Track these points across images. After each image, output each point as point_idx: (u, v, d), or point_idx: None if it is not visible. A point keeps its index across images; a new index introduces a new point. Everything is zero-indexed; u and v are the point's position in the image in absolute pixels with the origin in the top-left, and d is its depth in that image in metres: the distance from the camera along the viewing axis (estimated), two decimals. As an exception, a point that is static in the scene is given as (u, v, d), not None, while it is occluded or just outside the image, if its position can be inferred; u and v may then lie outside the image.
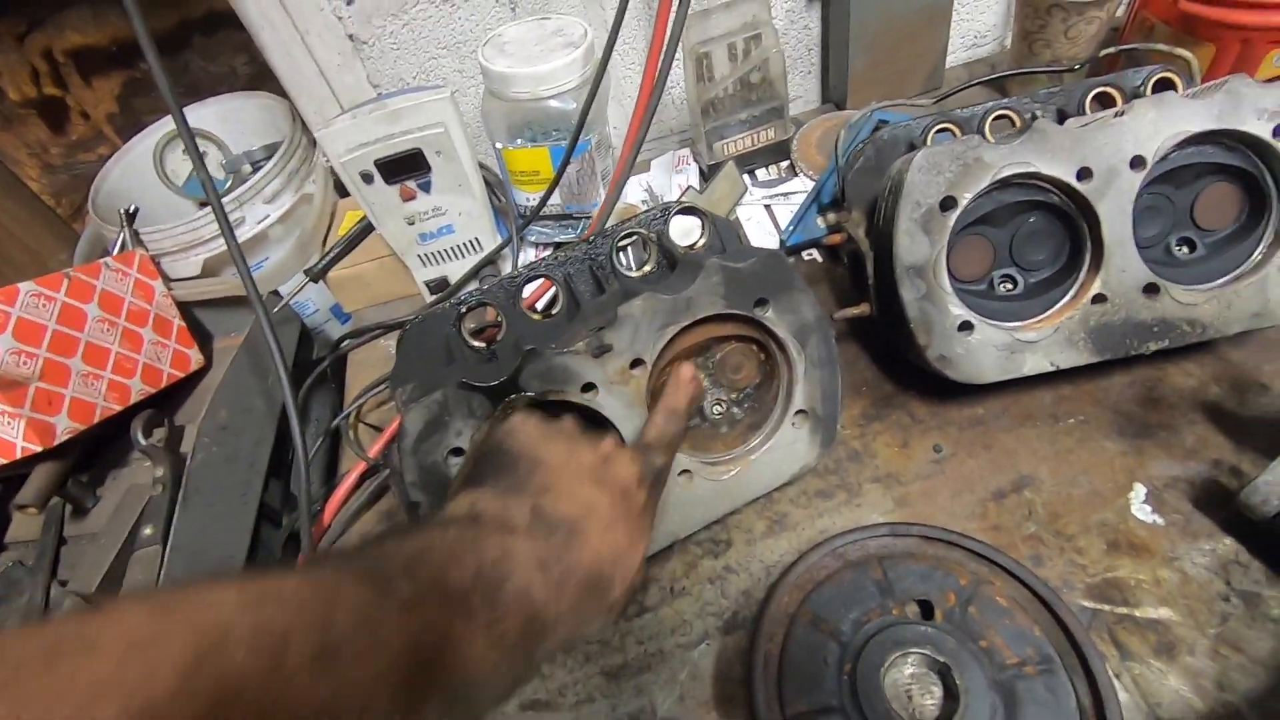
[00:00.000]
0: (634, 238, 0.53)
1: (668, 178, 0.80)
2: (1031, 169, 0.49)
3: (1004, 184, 0.50)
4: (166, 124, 0.81)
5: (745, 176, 0.77)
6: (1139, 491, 0.50)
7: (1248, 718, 0.40)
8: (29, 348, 0.57)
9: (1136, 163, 0.48)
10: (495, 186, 0.73)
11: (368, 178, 0.63)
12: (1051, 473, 0.52)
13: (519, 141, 0.67)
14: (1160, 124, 0.48)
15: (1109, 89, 0.56)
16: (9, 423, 0.56)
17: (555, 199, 0.70)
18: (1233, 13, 0.60)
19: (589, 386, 0.46)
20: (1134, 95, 0.55)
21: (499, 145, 0.68)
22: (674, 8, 0.56)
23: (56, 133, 0.91)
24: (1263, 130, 0.48)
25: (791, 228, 0.70)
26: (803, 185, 0.75)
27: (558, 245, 0.74)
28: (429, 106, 0.60)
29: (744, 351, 0.51)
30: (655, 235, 0.54)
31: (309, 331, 0.77)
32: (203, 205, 0.81)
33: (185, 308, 0.74)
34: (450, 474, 0.45)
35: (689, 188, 0.75)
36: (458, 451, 0.45)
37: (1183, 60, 0.58)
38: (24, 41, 0.83)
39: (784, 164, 0.78)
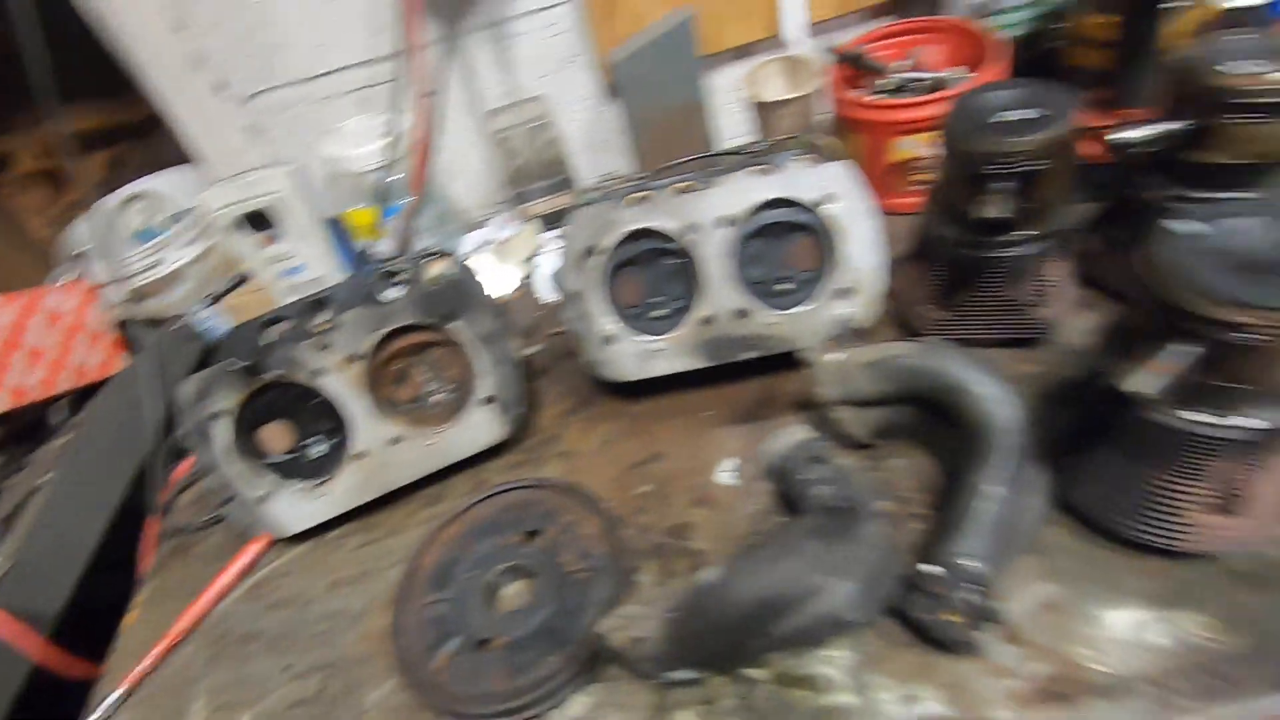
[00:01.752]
0: (396, 273, 0.74)
1: (495, 231, 1.01)
2: (649, 226, 0.67)
3: (636, 236, 0.68)
4: (121, 193, 1.07)
5: (547, 230, 0.97)
6: (727, 464, 0.66)
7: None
8: (-18, 344, 0.81)
9: (725, 221, 0.66)
10: (348, 235, 0.96)
11: (238, 226, 0.86)
12: (678, 451, 0.68)
13: (355, 203, 0.90)
14: (742, 195, 0.66)
15: (763, 163, 0.74)
16: (-39, 395, 0.79)
17: (387, 243, 0.92)
18: (867, 113, 0.78)
19: (316, 372, 0.65)
20: (765, 170, 0.74)
21: (341, 206, 0.91)
22: (428, 115, 0.78)
23: (58, 194, 1.19)
24: (813, 198, 0.65)
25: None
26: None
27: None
28: (270, 178, 0.83)
29: (452, 353, 0.70)
30: (415, 269, 0.74)
31: (213, 350, 1.00)
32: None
33: (121, 324, 0.97)
34: (217, 430, 0.65)
35: (490, 240, 0.96)
36: (218, 414, 0.65)
37: (825, 143, 0.77)
38: (37, 127, 1.11)
39: (580, 222, 0.98)
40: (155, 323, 0.98)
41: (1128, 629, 0.48)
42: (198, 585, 0.69)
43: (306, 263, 0.90)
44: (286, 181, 0.83)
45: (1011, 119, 0.56)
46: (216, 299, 0.96)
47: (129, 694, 0.63)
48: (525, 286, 0.92)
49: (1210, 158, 0.55)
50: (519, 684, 0.53)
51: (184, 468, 0.81)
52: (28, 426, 0.87)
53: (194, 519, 0.76)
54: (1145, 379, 0.40)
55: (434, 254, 0.75)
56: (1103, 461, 0.50)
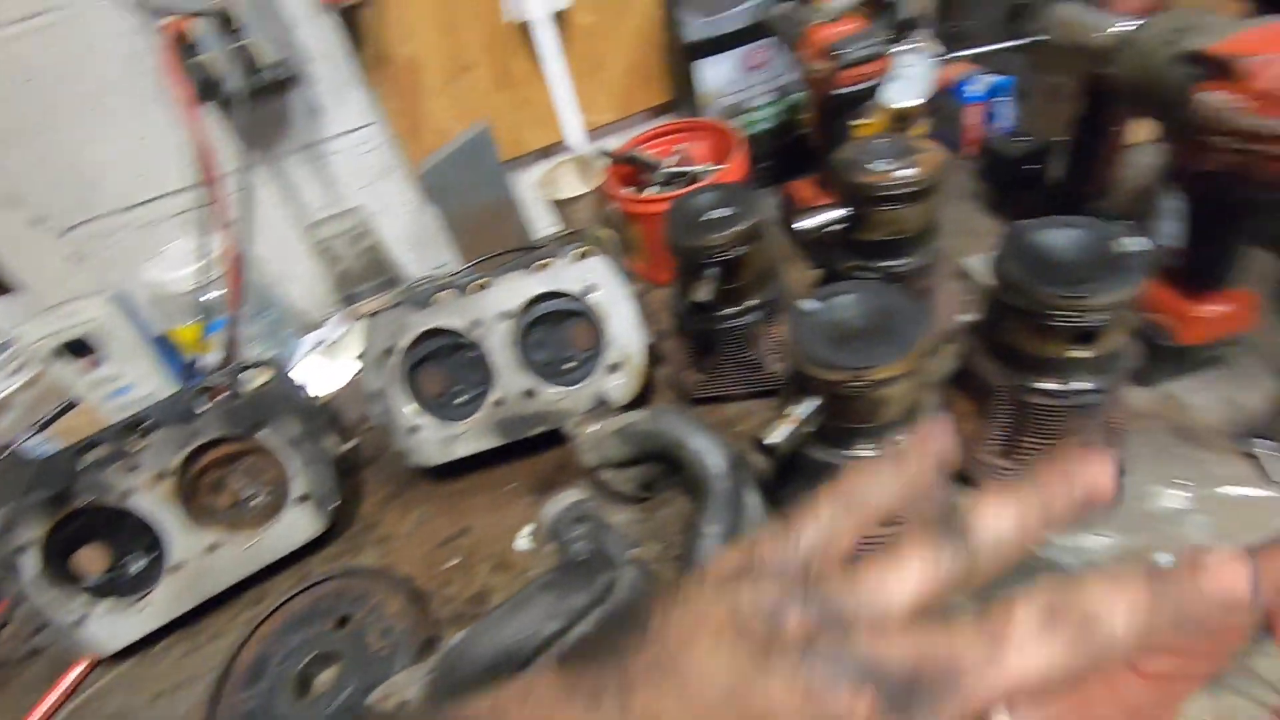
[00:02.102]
0: (212, 388, 0.79)
1: (329, 331, 1.07)
2: (440, 325, 0.76)
3: (430, 334, 0.77)
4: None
5: (378, 327, 1.04)
6: (526, 530, 0.73)
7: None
8: None
9: (505, 315, 0.76)
10: (177, 352, 1.00)
11: (59, 354, 0.89)
12: (484, 523, 0.76)
13: (181, 321, 0.94)
14: (516, 290, 0.76)
15: (551, 257, 0.85)
16: None
17: (215, 355, 0.96)
18: (635, 206, 0.91)
19: (126, 493, 0.69)
20: (566, 258, 0.84)
21: (166, 327, 0.95)
22: (237, 246, 0.84)
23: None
24: (577, 289, 0.76)
25: (395, 363, 0.97)
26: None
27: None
28: (88, 306, 0.87)
29: (266, 458, 0.76)
30: (231, 382, 0.79)
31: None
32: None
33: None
34: (22, 565, 0.67)
35: (324, 341, 1.02)
36: (25, 547, 0.67)
37: (604, 239, 0.88)
38: None
39: (409, 316, 1.06)
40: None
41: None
42: (17, 717, 0.70)
43: (135, 382, 0.93)
44: (105, 308, 0.87)
45: (714, 217, 0.69)
46: (44, 425, 0.97)
47: (-64, 842, 0.62)
48: (355, 382, 0.98)
49: (867, 236, 0.69)
50: (321, 766, 0.57)
51: (6, 603, 0.81)
52: None
53: (13, 651, 0.76)
54: (780, 431, 0.51)
55: (252, 365, 0.81)
56: (794, 494, 0.61)
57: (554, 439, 0.79)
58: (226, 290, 0.91)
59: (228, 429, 0.72)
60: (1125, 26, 0.62)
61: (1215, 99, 0.52)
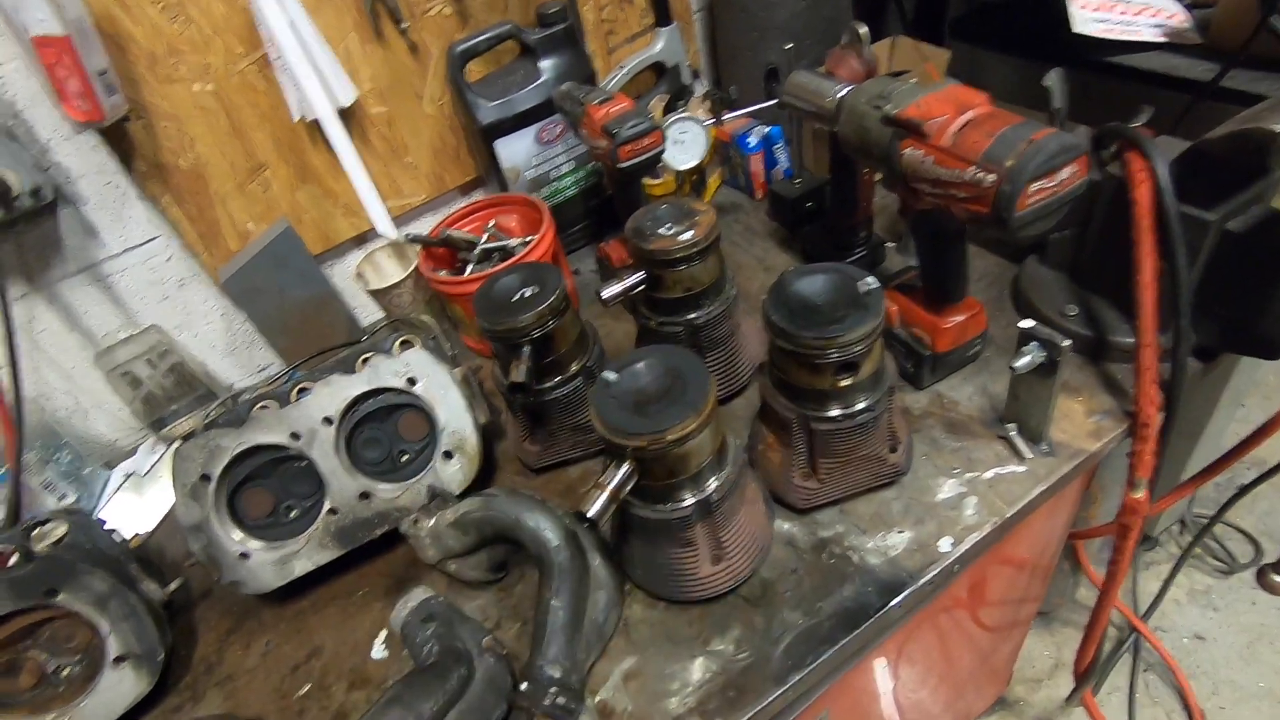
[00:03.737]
0: (-2, 553, 0.70)
1: (141, 460, 0.99)
2: (256, 442, 0.73)
3: (250, 452, 0.73)
4: None
5: (199, 447, 0.97)
6: (380, 636, 0.71)
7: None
8: None
9: (327, 420, 0.74)
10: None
11: None
12: (335, 639, 0.73)
13: (-49, 482, 0.83)
14: (335, 394, 0.74)
15: (369, 353, 0.84)
16: None
17: None
18: (452, 288, 0.92)
19: (-108, 700, 0.60)
20: (385, 352, 0.83)
21: (-65, 489, 0.83)
22: (5, 395, 0.77)
23: None
24: (400, 383, 0.76)
25: (222, 483, 0.91)
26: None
27: None
28: None
29: (70, 622, 0.68)
30: (22, 544, 0.71)
31: None
32: None
33: None
34: None
35: (133, 473, 0.94)
36: None
37: (425, 325, 0.89)
38: None
39: (233, 428, 1.00)
40: None
41: (688, 672, 0.61)
42: None
43: (-104, 562, 0.81)
44: None
45: (520, 298, 0.72)
46: None
47: None
48: (173, 513, 0.91)
49: (666, 295, 0.75)
50: None
51: None
52: None
53: None
54: (597, 503, 0.54)
55: (43, 520, 0.73)
56: (638, 549, 0.64)
57: (399, 536, 0.78)
58: (1, 441, 0.82)
59: (15, 602, 0.65)
60: (841, 91, 0.73)
61: (912, 155, 0.63)
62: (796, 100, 0.79)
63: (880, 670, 0.84)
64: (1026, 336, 0.64)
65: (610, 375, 0.58)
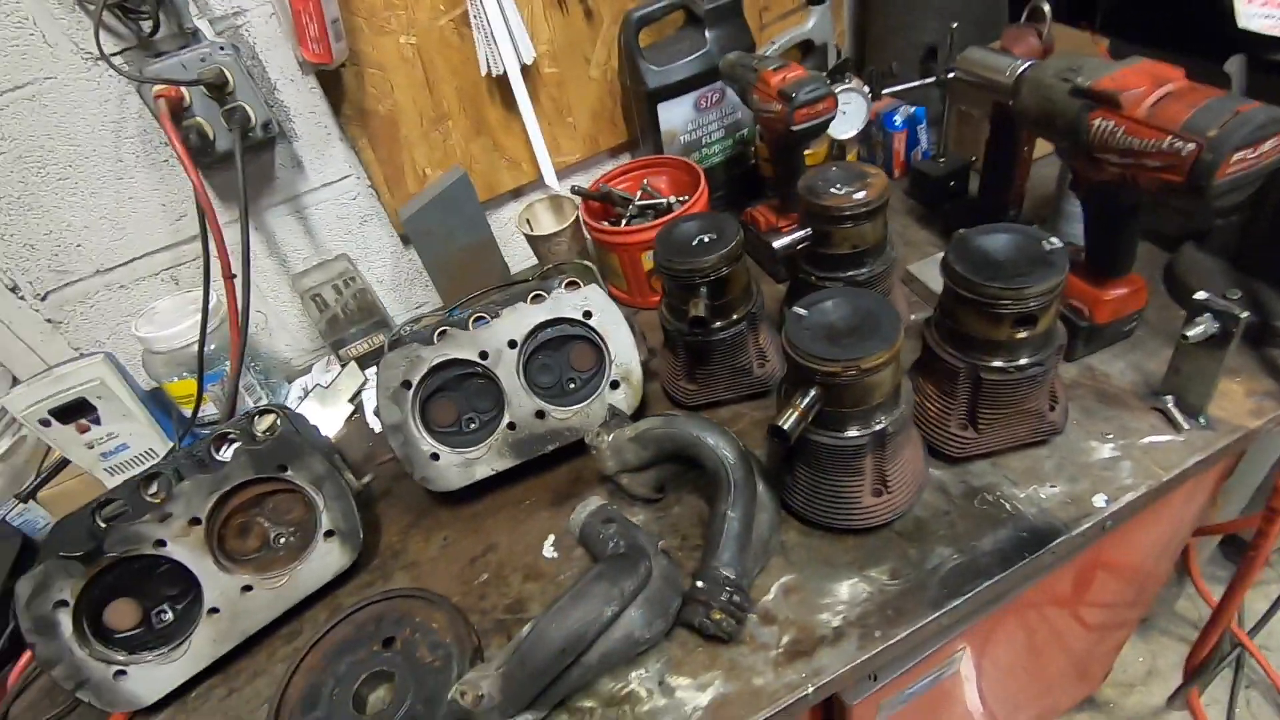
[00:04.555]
0: (229, 434, 0.81)
1: (319, 376, 1.10)
2: (451, 356, 0.81)
3: (443, 366, 0.82)
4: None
5: (370, 369, 1.08)
6: (550, 540, 0.79)
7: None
8: None
9: (512, 343, 0.82)
10: (170, 406, 1.00)
11: (45, 423, 0.88)
12: (508, 539, 0.81)
13: (175, 376, 0.95)
14: (520, 320, 0.82)
15: (539, 291, 0.91)
16: None
17: (213, 409, 0.97)
18: (614, 237, 0.99)
19: (160, 542, 0.71)
20: (552, 292, 0.91)
21: (161, 382, 0.96)
22: (238, 291, 0.87)
23: None
24: (577, 315, 0.83)
25: (393, 401, 1.00)
26: (412, 368, 1.07)
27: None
28: (86, 368, 0.87)
29: (290, 498, 0.78)
30: (248, 426, 0.81)
31: (33, 543, 0.97)
32: (-61, 457, 1.02)
33: (-86, 543, 0.93)
34: (59, 622, 0.68)
35: (318, 384, 1.05)
36: (62, 604, 0.68)
37: (585, 267, 0.96)
38: None
39: (398, 355, 1.10)
40: (-44, 532, 0.94)
41: (843, 593, 0.66)
42: (52, 785, 0.69)
43: (129, 441, 0.94)
44: (100, 368, 0.88)
45: (700, 242, 0.78)
46: (30, 495, 0.95)
47: None
48: (354, 421, 1.02)
49: (832, 251, 0.80)
50: (393, 773, 0.61)
51: (17, 671, 0.79)
52: None
53: (40, 717, 0.75)
54: (791, 418, 0.60)
55: (262, 410, 0.83)
56: (803, 476, 0.69)
57: (565, 455, 0.85)
58: (224, 344, 0.94)
59: (254, 472, 0.75)
60: (1022, 66, 0.76)
61: (1103, 125, 0.65)
62: (970, 74, 0.83)
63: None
64: (1201, 308, 0.66)
65: (801, 310, 0.64)
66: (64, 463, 0.97)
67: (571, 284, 0.85)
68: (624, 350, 0.83)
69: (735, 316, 0.80)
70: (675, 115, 1.07)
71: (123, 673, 0.70)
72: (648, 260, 1.00)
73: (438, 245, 1.08)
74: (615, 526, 0.69)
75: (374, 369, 1.08)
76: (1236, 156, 0.58)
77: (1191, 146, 0.59)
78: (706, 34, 1.05)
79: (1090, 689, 1.41)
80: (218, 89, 0.86)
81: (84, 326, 1.01)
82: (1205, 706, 1.38)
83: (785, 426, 0.59)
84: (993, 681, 0.99)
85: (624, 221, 1.04)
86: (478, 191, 1.09)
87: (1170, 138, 0.60)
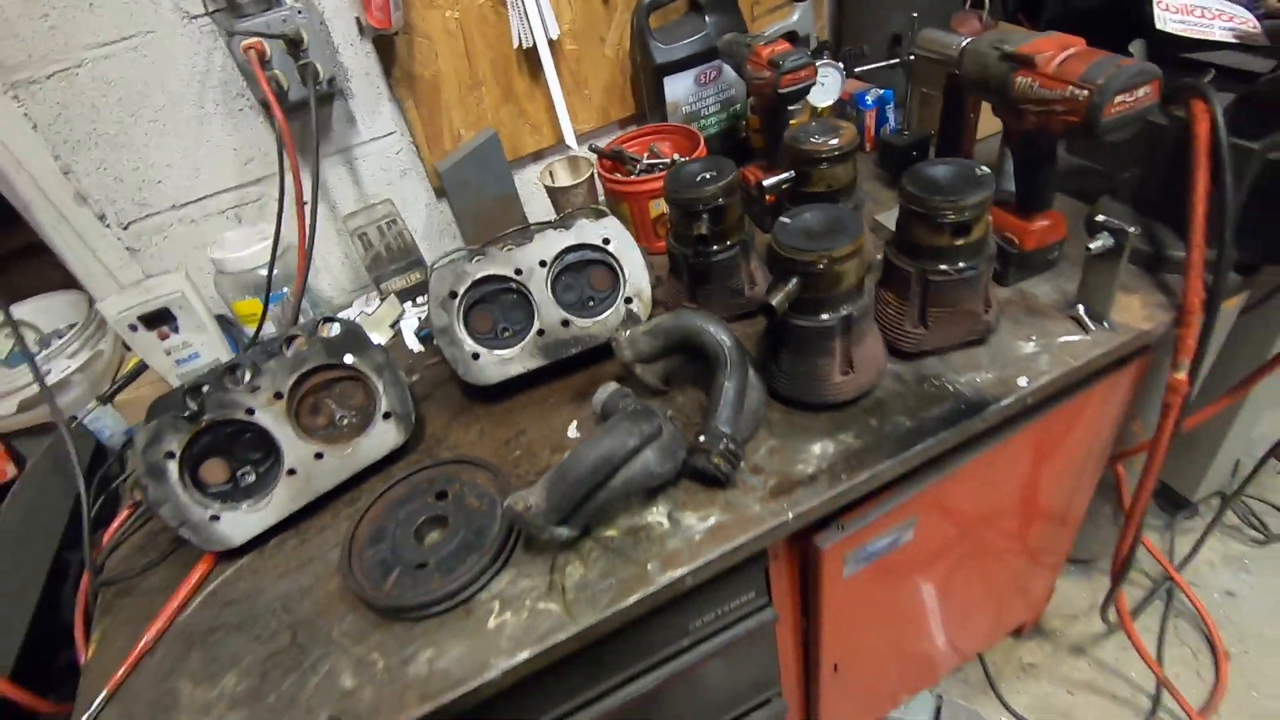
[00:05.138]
0: (295, 337, 0.95)
1: (363, 305, 1.24)
2: (490, 273, 0.96)
3: (483, 281, 0.97)
4: (-8, 320, 1.16)
5: (406, 303, 1.22)
6: (573, 425, 0.94)
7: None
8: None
9: (542, 263, 0.97)
10: (234, 323, 1.14)
11: (133, 328, 1.02)
12: (536, 427, 0.95)
13: (242, 296, 1.09)
14: (550, 243, 0.97)
15: (550, 228, 1.07)
16: None
17: (271, 327, 1.11)
18: (626, 187, 1.15)
19: (249, 410, 0.85)
20: (565, 228, 1.06)
21: (230, 300, 1.10)
22: (306, 220, 1.02)
23: (-102, 338, 1.22)
24: (598, 240, 0.98)
25: (426, 329, 1.15)
26: (443, 302, 1.22)
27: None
28: (170, 281, 1.01)
29: (354, 384, 0.93)
30: (312, 332, 0.96)
31: (104, 448, 1.10)
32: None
33: (3, 436, 1.05)
34: (169, 469, 0.81)
35: (363, 312, 1.19)
36: (170, 454, 0.81)
37: (600, 211, 1.12)
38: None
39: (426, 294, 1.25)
40: (45, 428, 1.07)
41: (818, 450, 0.82)
42: (149, 613, 0.82)
43: (200, 351, 1.07)
44: (182, 282, 1.02)
45: (702, 178, 0.94)
46: (109, 398, 1.08)
47: (111, 697, 0.74)
48: (394, 345, 1.16)
49: (811, 189, 0.96)
50: (452, 582, 0.75)
51: (111, 531, 0.92)
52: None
53: (131, 567, 0.88)
54: (779, 296, 0.76)
55: (325, 318, 0.97)
56: (784, 360, 0.85)
57: (585, 361, 1.00)
58: (286, 268, 1.08)
59: (326, 357, 0.89)
60: (965, 41, 0.94)
61: (1023, 82, 0.83)
62: (926, 50, 1.00)
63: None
64: (1100, 226, 0.83)
65: (786, 220, 0.80)
66: (139, 371, 1.10)
67: (594, 215, 1.01)
68: (636, 271, 0.99)
69: (730, 242, 0.96)
70: (678, 88, 1.24)
71: (216, 518, 0.84)
72: (654, 208, 1.16)
73: (469, 196, 1.23)
74: (631, 400, 0.84)
75: (409, 303, 1.23)
76: (1119, 99, 0.75)
77: (1085, 93, 0.76)
78: (706, 19, 1.22)
79: (1035, 610, 1.57)
80: (294, 45, 1.02)
81: (157, 256, 1.15)
82: (1138, 633, 1.55)
83: (774, 302, 0.75)
84: (942, 572, 1.14)
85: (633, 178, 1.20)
86: (505, 152, 1.25)
87: (1070, 87, 0.78)
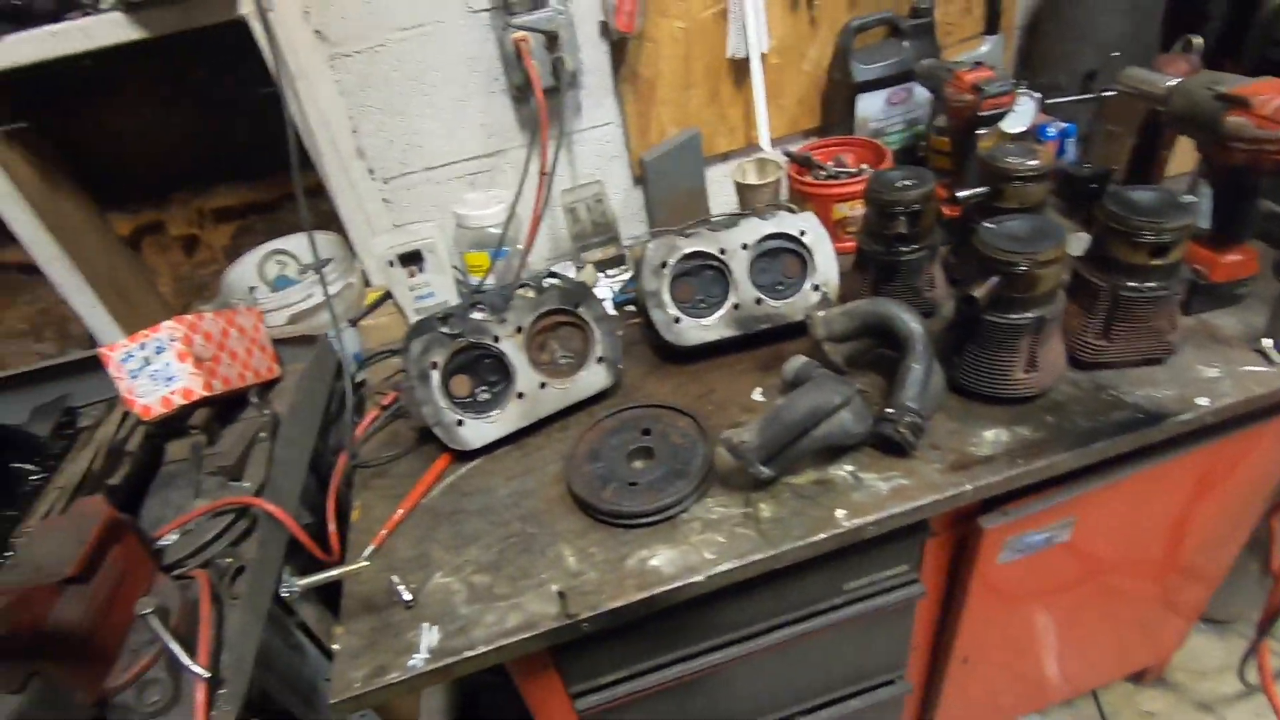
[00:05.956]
0: (525, 286, 1.12)
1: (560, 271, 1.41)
2: (698, 249, 1.10)
3: (690, 256, 1.10)
4: (262, 250, 1.40)
5: (600, 273, 1.38)
6: (758, 390, 1.05)
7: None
8: (210, 343, 1.10)
9: (744, 246, 1.10)
10: (463, 273, 1.33)
11: (392, 263, 1.22)
12: (724, 388, 1.07)
13: (473, 249, 1.28)
14: (753, 229, 1.10)
15: (754, 216, 1.19)
16: (196, 378, 1.07)
17: (491, 279, 1.29)
18: (813, 188, 1.27)
19: (495, 338, 1.01)
20: (762, 218, 1.18)
21: (462, 252, 1.28)
22: (545, 189, 1.19)
23: (188, 255, 1.49)
24: (795, 231, 1.10)
25: (620, 294, 1.30)
26: (627, 277, 1.37)
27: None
28: (424, 228, 1.20)
29: (574, 330, 1.08)
30: (538, 284, 1.12)
31: (340, 363, 1.31)
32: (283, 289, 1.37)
33: (275, 341, 1.28)
34: (432, 376, 0.98)
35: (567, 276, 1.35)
36: (434, 365, 0.99)
37: (791, 209, 1.24)
38: (189, 203, 1.43)
39: (620, 266, 1.40)
40: (306, 339, 1.28)
41: (993, 437, 0.90)
42: (401, 492, 0.99)
43: (436, 291, 1.26)
44: (434, 230, 1.21)
45: (902, 184, 1.04)
46: (355, 321, 1.29)
47: (376, 550, 0.91)
48: (591, 306, 1.32)
49: (1003, 205, 1.04)
50: (662, 500, 0.87)
51: (364, 425, 1.11)
52: (224, 405, 1.14)
53: (378, 456, 1.07)
54: (981, 290, 0.84)
55: (550, 273, 1.14)
56: (969, 354, 0.93)
57: (771, 337, 1.12)
58: (516, 228, 1.25)
59: (560, 302, 1.05)
60: (1174, 81, 0.99)
61: (1236, 120, 0.88)
62: (1129, 86, 1.07)
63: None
64: (1302, 263, 0.87)
65: (990, 224, 0.89)
66: (378, 302, 1.31)
67: (790, 210, 1.13)
68: (827, 262, 1.10)
69: (921, 245, 1.06)
70: (870, 105, 1.34)
71: (461, 423, 1.00)
72: (838, 211, 1.27)
73: (665, 186, 1.38)
74: (822, 369, 0.95)
75: (603, 273, 1.38)
76: (1339, 143, 0.80)
77: (1304, 135, 0.81)
78: (904, 44, 1.32)
79: (1161, 656, 1.55)
80: (552, 41, 1.19)
81: (404, 209, 1.36)
82: None
83: (978, 295, 0.84)
84: (1081, 589, 1.17)
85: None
86: (702, 150, 1.39)
87: (1289, 129, 0.83)
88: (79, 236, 1.30)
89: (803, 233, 1.10)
